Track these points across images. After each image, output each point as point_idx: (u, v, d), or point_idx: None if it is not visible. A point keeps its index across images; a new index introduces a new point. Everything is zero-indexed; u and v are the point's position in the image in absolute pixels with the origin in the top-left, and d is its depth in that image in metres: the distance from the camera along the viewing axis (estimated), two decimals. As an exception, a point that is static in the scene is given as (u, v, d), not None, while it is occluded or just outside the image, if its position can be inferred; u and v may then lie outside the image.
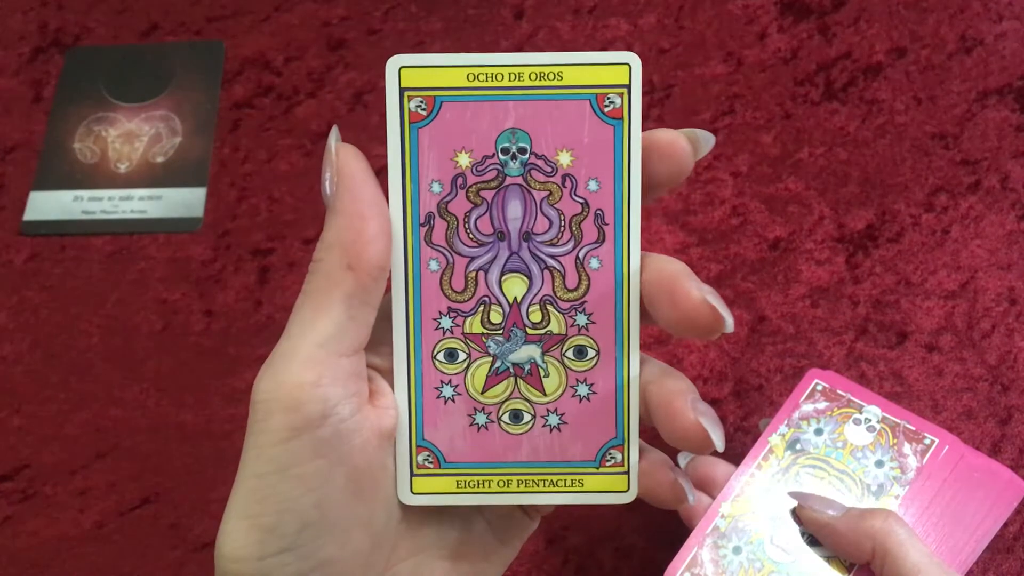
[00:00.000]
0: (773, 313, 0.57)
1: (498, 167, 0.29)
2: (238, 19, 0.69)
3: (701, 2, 0.67)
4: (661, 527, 0.51)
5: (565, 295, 0.30)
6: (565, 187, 0.29)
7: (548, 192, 0.29)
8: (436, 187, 0.30)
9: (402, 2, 0.69)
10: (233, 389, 0.56)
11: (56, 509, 0.54)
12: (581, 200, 0.29)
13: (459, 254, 0.30)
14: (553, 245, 0.29)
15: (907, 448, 0.43)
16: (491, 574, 0.33)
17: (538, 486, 0.31)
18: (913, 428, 0.44)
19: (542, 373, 0.30)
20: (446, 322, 0.30)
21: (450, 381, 0.30)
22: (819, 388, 0.46)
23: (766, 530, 0.42)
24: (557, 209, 0.29)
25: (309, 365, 0.27)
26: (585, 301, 0.30)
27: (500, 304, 0.30)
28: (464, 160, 0.29)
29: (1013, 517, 0.51)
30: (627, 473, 0.31)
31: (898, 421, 0.44)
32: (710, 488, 0.44)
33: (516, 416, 0.30)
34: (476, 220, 0.29)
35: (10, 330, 0.59)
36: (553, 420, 0.30)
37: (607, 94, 0.29)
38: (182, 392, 0.56)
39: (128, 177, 0.63)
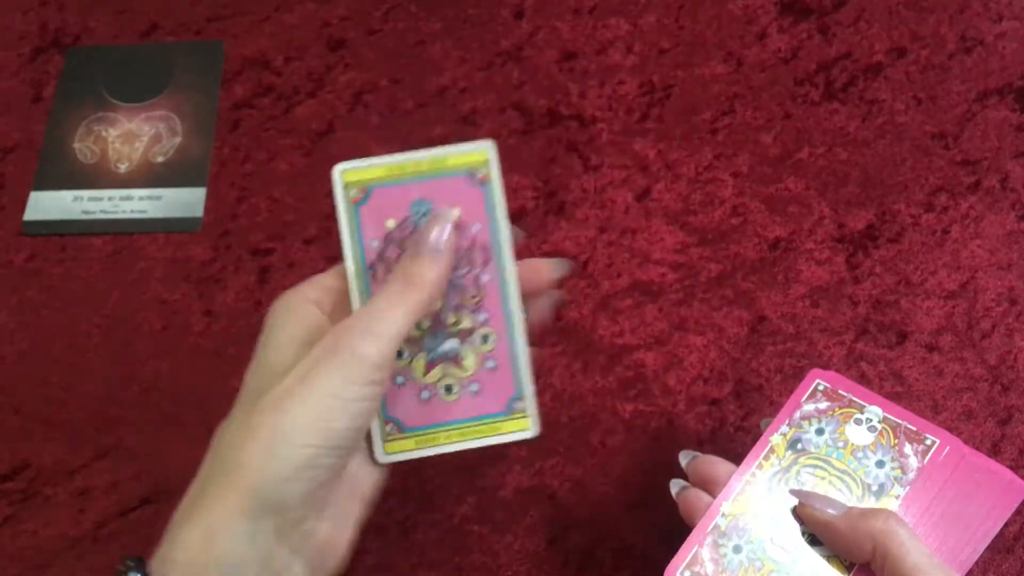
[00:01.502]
0: (773, 313, 0.57)
1: (413, 225, 0.42)
2: (238, 19, 0.69)
3: (701, 2, 0.67)
4: (661, 527, 0.51)
5: (468, 302, 0.42)
6: (460, 231, 0.42)
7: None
8: (374, 243, 0.42)
9: (402, 2, 0.69)
10: (233, 389, 0.56)
11: (56, 509, 0.54)
12: (470, 239, 0.42)
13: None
14: (456, 270, 0.42)
15: (908, 448, 0.44)
16: None
17: (470, 435, 0.42)
18: (914, 428, 0.44)
19: (461, 357, 0.42)
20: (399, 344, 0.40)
21: (401, 372, 0.42)
22: (820, 388, 0.46)
23: (766, 529, 0.42)
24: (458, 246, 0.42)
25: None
26: (482, 304, 0.42)
27: (427, 315, 0.42)
28: (391, 223, 0.42)
29: (1013, 518, 0.51)
30: (527, 417, 0.43)
31: (899, 421, 0.44)
32: (711, 487, 0.44)
33: (448, 389, 0.42)
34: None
35: (10, 330, 0.59)
36: (473, 388, 0.42)
37: (477, 169, 0.42)
38: (182, 392, 0.56)
39: (128, 177, 0.63)
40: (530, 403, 0.42)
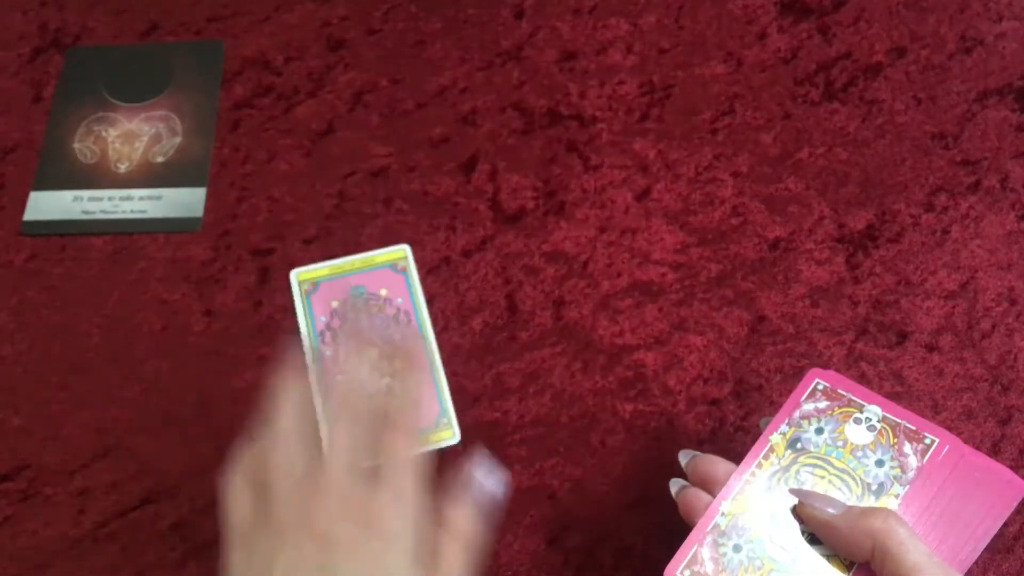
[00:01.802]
0: (773, 313, 0.57)
1: (352, 303, 0.57)
2: (238, 19, 0.69)
3: (701, 2, 0.67)
4: (661, 527, 0.51)
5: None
6: (387, 304, 0.57)
7: (379, 307, 0.57)
8: (323, 319, 0.56)
9: (402, 2, 0.69)
10: (233, 389, 0.56)
11: (56, 509, 0.54)
12: (395, 308, 0.57)
13: (342, 346, 0.55)
14: (387, 329, 0.56)
15: (907, 448, 0.43)
16: None
17: None
18: (913, 428, 0.44)
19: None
20: (341, 378, 0.48)
21: None
22: (820, 387, 0.46)
23: (766, 528, 0.42)
24: (385, 314, 0.57)
25: None
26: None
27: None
28: (335, 303, 0.57)
29: (1013, 517, 0.51)
30: (450, 428, 0.54)
31: (898, 421, 0.44)
32: (711, 487, 0.44)
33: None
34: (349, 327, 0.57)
35: (10, 330, 0.59)
36: None
37: (397, 262, 0.58)
38: (182, 392, 0.56)
39: (128, 177, 0.63)
40: (451, 418, 0.54)
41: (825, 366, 0.55)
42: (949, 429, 0.53)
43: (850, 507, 0.41)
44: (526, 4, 0.68)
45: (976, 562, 0.50)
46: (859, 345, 0.56)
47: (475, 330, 0.57)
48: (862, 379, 0.55)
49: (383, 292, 0.57)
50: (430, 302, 0.58)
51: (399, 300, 0.57)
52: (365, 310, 0.55)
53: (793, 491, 0.43)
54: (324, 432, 0.42)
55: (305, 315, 0.57)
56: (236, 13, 0.69)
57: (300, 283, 0.57)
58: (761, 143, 0.62)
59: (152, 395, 0.56)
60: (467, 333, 0.57)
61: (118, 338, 0.58)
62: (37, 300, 0.59)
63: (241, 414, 0.56)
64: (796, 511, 0.42)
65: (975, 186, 0.60)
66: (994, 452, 0.53)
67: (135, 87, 0.66)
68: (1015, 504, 0.43)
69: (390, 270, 0.57)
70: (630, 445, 0.54)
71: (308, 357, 0.53)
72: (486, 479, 0.43)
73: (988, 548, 0.46)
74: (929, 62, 0.64)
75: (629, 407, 0.55)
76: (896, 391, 0.54)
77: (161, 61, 0.67)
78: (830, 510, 0.41)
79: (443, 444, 0.53)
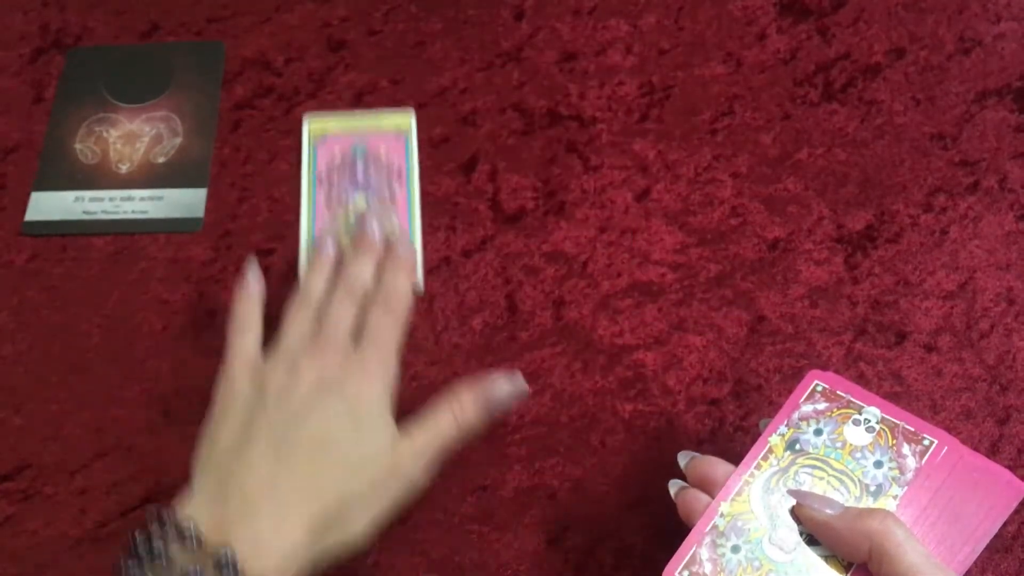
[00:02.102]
0: (772, 313, 0.57)
1: (352, 158, 0.62)
2: (238, 20, 0.69)
3: (701, 3, 0.67)
4: (661, 527, 0.51)
5: (384, 203, 0.61)
6: (382, 161, 0.62)
7: (375, 161, 0.62)
8: (324, 165, 0.62)
9: (402, 3, 0.69)
10: (233, 389, 0.57)
11: (57, 509, 0.54)
12: (388, 167, 0.61)
13: (336, 190, 0.61)
14: (379, 190, 0.61)
15: (906, 449, 0.44)
16: None
17: None
18: (912, 429, 0.44)
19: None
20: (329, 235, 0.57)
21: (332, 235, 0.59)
22: (819, 389, 0.46)
23: (765, 529, 0.42)
24: (380, 172, 0.61)
25: None
26: (394, 205, 0.60)
27: (356, 215, 0.60)
28: (337, 158, 0.62)
29: (1012, 517, 0.51)
30: (417, 283, 0.58)
31: (897, 422, 0.44)
32: (709, 488, 0.44)
33: None
34: (345, 176, 0.61)
35: (11, 330, 0.59)
36: None
37: (401, 127, 0.63)
38: (182, 392, 0.56)
39: (129, 178, 0.63)
40: (419, 268, 0.58)
41: (824, 366, 0.55)
42: (948, 429, 0.54)
43: (848, 508, 0.41)
44: (526, 5, 0.68)
45: (975, 562, 0.50)
46: (858, 345, 0.56)
47: (475, 330, 0.57)
48: (861, 379, 0.55)
49: (382, 150, 0.62)
50: (430, 301, 0.58)
51: (395, 159, 0.61)
52: (386, 218, 0.56)
53: (791, 492, 0.43)
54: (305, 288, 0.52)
55: (309, 160, 0.61)
56: (236, 14, 0.69)
57: (311, 130, 0.62)
58: (760, 144, 0.62)
59: (153, 395, 0.57)
60: (467, 333, 0.57)
61: (119, 338, 0.58)
62: (38, 300, 0.60)
63: (241, 414, 0.56)
64: (794, 512, 0.42)
65: (974, 187, 0.60)
66: (993, 452, 0.53)
67: (136, 88, 0.66)
68: (1014, 505, 0.43)
69: (393, 134, 0.62)
70: (630, 445, 0.54)
71: (304, 196, 0.61)
72: (505, 386, 0.50)
73: (987, 548, 0.46)
74: (928, 63, 0.64)
75: (629, 407, 0.55)
76: (895, 391, 0.55)
77: (162, 62, 0.67)
78: (828, 511, 0.41)
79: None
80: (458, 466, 0.53)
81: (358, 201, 0.60)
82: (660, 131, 0.63)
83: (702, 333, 0.57)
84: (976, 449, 0.53)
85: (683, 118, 0.63)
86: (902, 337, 0.56)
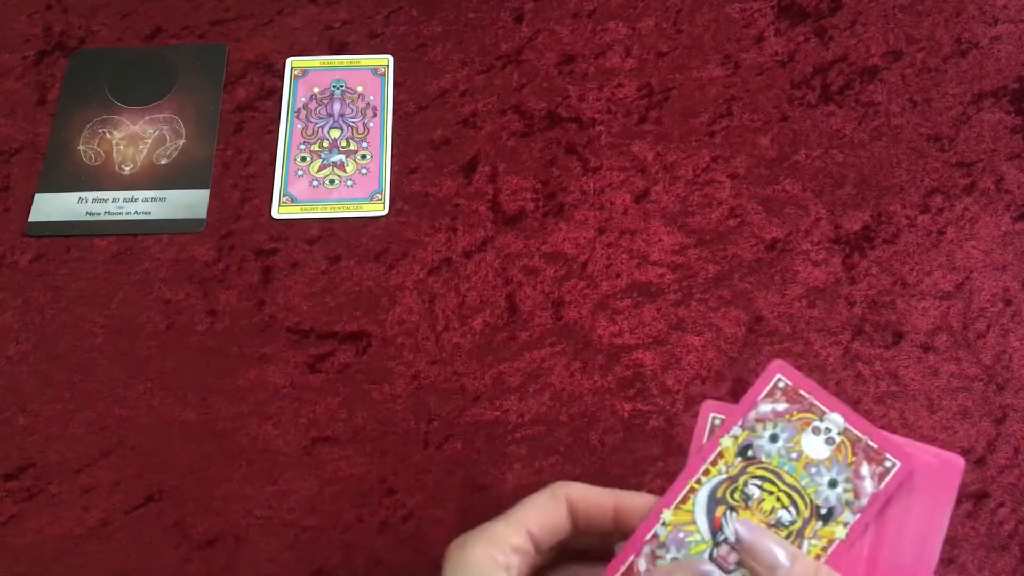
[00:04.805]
0: (770, 313, 0.58)
1: (330, 92, 0.66)
2: (241, 22, 0.69)
3: (699, 5, 0.68)
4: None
5: (357, 135, 0.64)
6: (359, 97, 0.66)
7: (352, 100, 0.66)
8: (303, 99, 0.66)
9: (403, 5, 0.69)
10: (236, 388, 0.57)
11: (61, 507, 0.54)
12: (366, 103, 0.65)
13: (312, 123, 0.65)
14: (353, 119, 0.65)
15: (865, 469, 0.41)
16: None
17: (340, 209, 0.62)
18: (875, 447, 0.41)
19: (345, 165, 0.64)
20: (305, 154, 0.64)
21: (300, 168, 0.63)
22: (781, 385, 0.43)
23: (707, 544, 0.40)
24: (356, 106, 0.65)
25: None
26: (367, 137, 0.64)
27: (329, 143, 0.64)
28: (316, 90, 0.66)
29: (1008, 516, 0.52)
30: (382, 203, 0.62)
31: (861, 436, 0.41)
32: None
33: (332, 182, 0.63)
34: (322, 110, 0.65)
35: (15, 330, 0.59)
36: (349, 183, 0.63)
37: (379, 67, 0.67)
38: (186, 391, 0.57)
39: (132, 179, 0.64)
40: (385, 195, 0.62)
41: (822, 366, 0.56)
42: (944, 429, 0.54)
43: (790, 569, 0.39)
44: (526, 8, 0.69)
45: (972, 560, 0.51)
46: (855, 345, 0.56)
47: (475, 330, 0.58)
48: (858, 379, 0.55)
49: (359, 88, 0.66)
50: (431, 301, 0.59)
51: (371, 97, 0.65)
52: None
53: (741, 528, 0.40)
54: None
55: (289, 93, 0.65)
56: (239, 16, 0.69)
57: (293, 68, 0.67)
58: (758, 145, 0.63)
59: (156, 394, 0.57)
60: (467, 333, 0.58)
61: (122, 338, 0.59)
62: (42, 300, 0.60)
63: (244, 412, 0.56)
64: (737, 553, 0.40)
65: (970, 187, 0.61)
66: (989, 451, 0.53)
67: (139, 90, 0.67)
68: (956, 484, 0.40)
69: (371, 73, 0.66)
70: (629, 444, 0.54)
71: (282, 135, 0.64)
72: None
73: (983, 546, 0.47)
74: (925, 65, 0.65)
75: (628, 406, 0.55)
76: (892, 391, 0.55)
77: (165, 64, 0.68)
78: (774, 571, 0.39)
79: (371, 214, 0.62)
80: (458, 466, 0.54)
81: (332, 133, 0.63)
82: (659, 133, 0.63)
83: (700, 333, 0.57)
84: (972, 449, 0.53)
85: (682, 120, 0.64)
86: (899, 337, 0.57)
